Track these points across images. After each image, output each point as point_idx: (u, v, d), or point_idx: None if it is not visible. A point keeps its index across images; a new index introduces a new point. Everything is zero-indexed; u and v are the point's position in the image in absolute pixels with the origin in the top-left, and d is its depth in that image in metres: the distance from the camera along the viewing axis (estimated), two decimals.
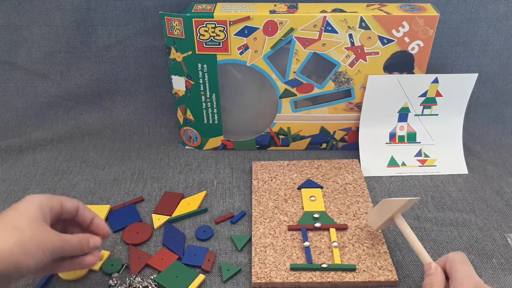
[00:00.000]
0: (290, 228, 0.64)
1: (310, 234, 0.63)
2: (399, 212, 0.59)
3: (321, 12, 0.70)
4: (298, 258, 0.60)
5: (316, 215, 0.66)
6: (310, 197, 0.70)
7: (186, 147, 0.86)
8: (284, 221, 0.66)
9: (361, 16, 0.70)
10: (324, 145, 0.84)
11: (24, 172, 0.79)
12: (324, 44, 0.72)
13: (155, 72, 0.89)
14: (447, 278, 0.51)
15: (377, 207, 0.61)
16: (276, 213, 0.67)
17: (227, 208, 0.70)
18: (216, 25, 0.71)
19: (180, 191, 0.74)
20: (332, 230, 0.63)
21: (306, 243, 0.61)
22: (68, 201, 0.51)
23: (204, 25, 0.71)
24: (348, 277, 0.57)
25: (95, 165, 0.81)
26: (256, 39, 0.72)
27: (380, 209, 0.60)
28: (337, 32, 0.71)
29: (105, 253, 0.62)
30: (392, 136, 0.80)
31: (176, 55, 0.75)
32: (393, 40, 0.72)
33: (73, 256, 0.50)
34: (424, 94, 0.76)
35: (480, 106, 0.90)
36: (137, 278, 0.58)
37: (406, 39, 0.71)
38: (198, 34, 0.71)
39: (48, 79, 0.88)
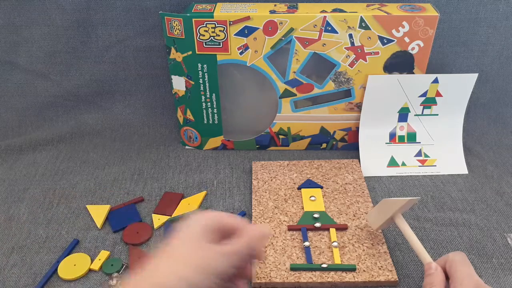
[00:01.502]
0: (290, 228, 0.64)
1: (310, 234, 0.63)
2: (399, 212, 0.59)
3: (321, 12, 0.70)
4: (298, 258, 0.60)
5: (316, 215, 0.66)
6: (310, 197, 0.70)
7: (186, 147, 0.86)
8: (284, 221, 0.66)
9: (361, 16, 0.70)
10: (324, 145, 0.84)
11: (24, 172, 0.79)
12: (324, 44, 0.72)
13: (155, 72, 0.89)
14: (447, 278, 0.51)
15: (377, 207, 0.61)
16: (276, 213, 0.67)
17: (227, 208, 0.70)
18: (216, 25, 0.71)
19: (180, 191, 0.74)
20: (332, 230, 0.63)
21: (306, 243, 0.61)
22: (228, 217, 0.47)
23: (204, 25, 0.71)
24: (348, 277, 0.57)
25: (95, 165, 0.81)
26: (256, 39, 0.72)
27: (380, 209, 0.60)
28: (337, 32, 0.71)
29: (105, 253, 0.62)
30: (392, 136, 0.80)
31: (176, 55, 0.75)
32: (393, 40, 0.72)
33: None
34: (424, 94, 0.76)
35: (480, 106, 0.90)
36: None
37: (406, 39, 0.71)
38: (198, 34, 0.71)
39: (48, 79, 0.88)
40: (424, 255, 0.54)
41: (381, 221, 0.61)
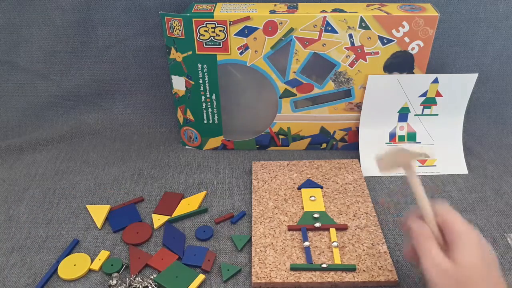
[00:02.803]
0: (290, 228, 0.64)
1: (310, 234, 0.63)
2: (414, 164, 0.53)
3: (321, 12, 0.70)
4: (298, 258, 0.60)
5: (316, 215, 0.66)
6: (310, 197, 0.70)
7: (186, 147, 0.86)
8: (284, 221, 0.66)
9: (361, 16, 0.70)
10: (324, 145, 0.84)
11: (24, 172, 0.79)
12: (324, 44, 0.72)
13: (155, 72, 0.89)
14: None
15: (393, 153, 0.54)
16: (276, 213, 0.67)
17: (227, 208, 0.70)
18: (216, 25, 0.71)
19: (180, 191, 0.74)
20: (332, 230, 0.63)
21: (306, 243, 0.61)
22: None
23: (204, 25, 0.71)
24: (348, 277, 0.57)
25: (95, 165, 0.81)
26: (256, 39, 0.72)
27: (395, 155, 0.54)
28: (337, 32, 0.71)
29: (105, 253, 0.62)
30: (392, 136, 0.80)
31: (176, 55, 0.75)
32: (393, 40, 0.72)
33: None
34: (424, 94, 0.76)
35: (480, 106, 0.90)
36: (137, 278, 0.58)
37: (406, 39, 0.71)
38: (198, 34, 0.71)
39: (48, 79, 0.88)
40: (427, 210, 0.50)
41: (391, 167, 0.54)
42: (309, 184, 0.72)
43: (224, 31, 0.71)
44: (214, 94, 0.78)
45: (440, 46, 0.84)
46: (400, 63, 0.74)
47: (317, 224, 0.64)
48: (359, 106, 0.78)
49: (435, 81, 0.75)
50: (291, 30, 0.71)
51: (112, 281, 0.58)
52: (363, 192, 0.71)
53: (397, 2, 0.77)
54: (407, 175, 0.53)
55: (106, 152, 0.84)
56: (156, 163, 0.81)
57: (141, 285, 0.57)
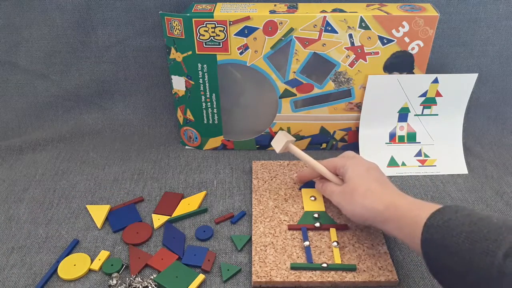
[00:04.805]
0: (290, 228, 0.64)
1: (310, 233, 0.63)
2: (290, 142, 0.69)
3: (321, 12, 0.70)
4: (298, 257, 0.60)
5: (316, 215, 0.66)
6: (310, 197, 0.70)
7: (186, 147, 0.86)
8: (284, 220, 0.66)
9: (361, 16, 0.70)
10: (324, 145, 0.84)
11: (24, 172, 0.79)
12: (324, 44, 0.72)
13: (155, 72, 0.89)
14: None
15: (277, 136, 0.70)
16: (276, 213, 0.67)
17: (227, 208, 0.70)
18: (216, 25, 0.71)
19: (180, 191, 0.74)
20: (332, 230, 0.63)
21: (306, 243, 0.61)
22: None
23: (204, 25, 0.71)
24: (349, 277, 0.57)
25: (95, 165, 0.81)
26: (256, 39, 0.72)
27: (280, 137, 0.69)
28: (337, 32, 0.71)
29: (105, 253, 0.62)
30: (392, 136, 0.80)
31: (176, 55, 0.75)
32: (393, 40, 0.72)
33: None
34: (424, 94, 0.76)
35: (480, 106, 0.90)
36: (137, 278, 0.58)
37: (406, 39, 0.71)
38: (198, 34, 0.71)
39: (48, 79, 0.88)
40: (316, 165, 0.66)
41: (280, 146, 0.69)
42: (310, 183, 0.72)
43: (224, 31, 0.71)
44: (214, 94, 0.78)
45: (440, 46, 0.84)
46: (400, 63, 0.74)
47: (317, 224, 0.64)
48: (359, 106, 0.78)
49: (435, 81, 0.75)
50: (291, 30, 0.71)
51: (112, 281, 0.58)
52: None
53: (397, 2, 0.77)
54: (291, 150, 0.69)
55: (106, 152, 0.84)
56: (156, 163, 0.81)
57: (141, 285, 0.57)
